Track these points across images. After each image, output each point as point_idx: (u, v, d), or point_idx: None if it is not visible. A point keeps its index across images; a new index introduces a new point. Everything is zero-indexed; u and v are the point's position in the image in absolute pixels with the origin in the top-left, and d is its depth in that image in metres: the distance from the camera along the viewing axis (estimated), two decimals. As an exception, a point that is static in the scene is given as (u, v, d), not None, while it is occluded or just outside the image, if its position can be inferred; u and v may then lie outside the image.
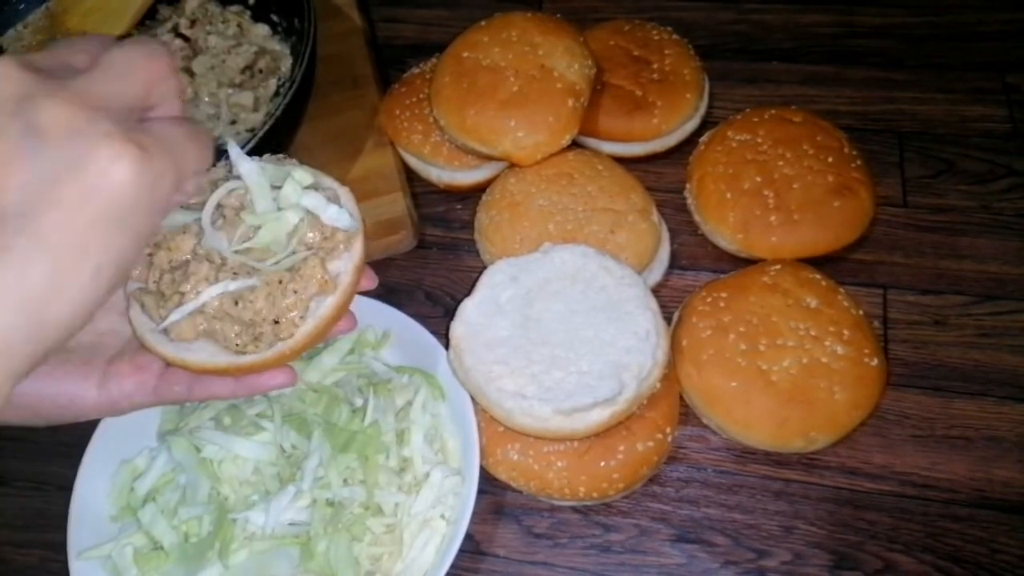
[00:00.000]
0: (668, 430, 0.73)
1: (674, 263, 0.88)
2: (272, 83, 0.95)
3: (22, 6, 0.98)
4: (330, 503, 0.70)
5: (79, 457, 0.74)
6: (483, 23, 0.91)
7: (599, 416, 0.67)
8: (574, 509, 0.76)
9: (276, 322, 0.51)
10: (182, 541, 0.70)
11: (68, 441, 0.75)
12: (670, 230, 0.89)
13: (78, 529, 0.71)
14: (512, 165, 0.87)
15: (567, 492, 0.72)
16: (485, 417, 0.73)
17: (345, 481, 0.71)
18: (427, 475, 0.72)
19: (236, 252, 0.52)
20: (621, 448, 0.71)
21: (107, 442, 0.76)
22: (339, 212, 0.53)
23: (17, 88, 0.38)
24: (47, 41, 0.95)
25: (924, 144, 0.93)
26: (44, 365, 0.51)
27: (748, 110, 0.91)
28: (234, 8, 1.00)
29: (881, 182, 0.89)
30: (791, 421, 0.71)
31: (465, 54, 0.88)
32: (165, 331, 0.51)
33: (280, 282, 0.51)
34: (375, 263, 0.89)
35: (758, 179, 0.83)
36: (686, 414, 0.78)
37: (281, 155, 0.57)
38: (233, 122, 0.93)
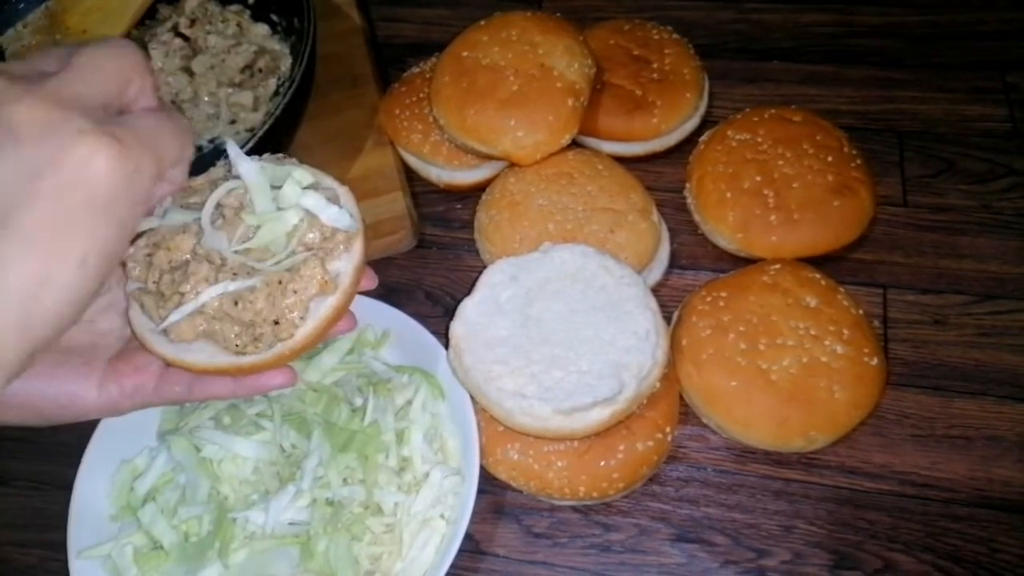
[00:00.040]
0: (668, 429, 0.73)
1: (674, 262, 0.88)
2: (272, 82, 0.95)
3: (22, 5, 0.98)
4: (330, 502, 0.70)
5: (79, 457, 0.74)
6: (483, 22, 0.91)
7: (599, 415, 0.67)
8: (574, 509, 0.76)
9: (276, 322, 0.51)
10: (182, 540, 0.70)
11: (68, 441, 0.75)
12: (670, 230, 0.89)
13: (78, 528, 0.71)
14: (512, 164, 0.87)
15: (567, 491, 0.72)
16: (485, 416, 0.73)
17: (345, 480, 0.71)
18: (427, 475, 0.72)
19: (236, 252, 0.52)
20: (621, 447, 0.71)
21: (107, 442, 0.76)
22: (339, 212, 0.53)
23: None
24: (47, 41, 0.94)
25: (924, 143, 0.93)
26: (44, 365, 0.51)
27: (748, 109, 0.91)
28: (234, 7, 1.00)
29: (881, 181, 0.89)
30: (791, 420, 0.71)
31: (465, 53, 0.88)
32: (165, 331, 0.51)
33: (280, 282, 0.51)
34: (375, 263, 0.89)
35: (758, 178, 0.83)
36: (686, 413, 0.78)
37: (281, 155, 0.56)
38: (233, 121, 0.93)
